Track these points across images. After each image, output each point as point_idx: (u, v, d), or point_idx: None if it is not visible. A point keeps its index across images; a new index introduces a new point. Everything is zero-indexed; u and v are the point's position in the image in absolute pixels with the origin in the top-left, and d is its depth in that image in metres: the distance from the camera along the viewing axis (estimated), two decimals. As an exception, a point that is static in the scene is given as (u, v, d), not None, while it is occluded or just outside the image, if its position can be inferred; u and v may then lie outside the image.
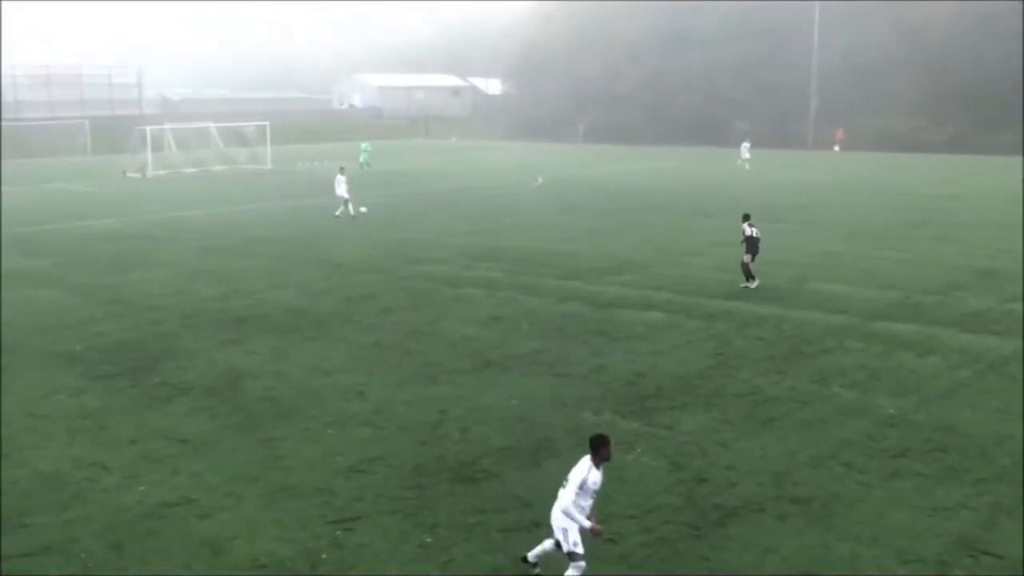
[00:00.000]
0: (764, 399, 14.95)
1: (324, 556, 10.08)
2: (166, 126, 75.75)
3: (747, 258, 23.70)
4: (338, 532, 10.59)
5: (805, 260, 27.44)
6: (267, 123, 74.83)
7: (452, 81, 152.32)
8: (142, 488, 11.85)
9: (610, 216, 37.78)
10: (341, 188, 38.14)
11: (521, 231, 34.16)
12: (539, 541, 10.24)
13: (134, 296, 23.50)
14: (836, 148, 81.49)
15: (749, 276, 23.69)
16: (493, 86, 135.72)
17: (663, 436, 13.37)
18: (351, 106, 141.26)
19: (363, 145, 66.14)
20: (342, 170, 39.34)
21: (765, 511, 10.98)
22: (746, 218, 24.41)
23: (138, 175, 61.43)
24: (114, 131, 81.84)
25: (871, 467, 12.21)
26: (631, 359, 17.23)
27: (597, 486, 8.99)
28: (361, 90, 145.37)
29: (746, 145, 66.86)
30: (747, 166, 63.26)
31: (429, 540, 10.38)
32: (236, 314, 21.36)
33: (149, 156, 64.33)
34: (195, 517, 11.05)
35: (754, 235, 23.78)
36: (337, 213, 38.23)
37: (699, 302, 21.95)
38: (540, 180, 53.70)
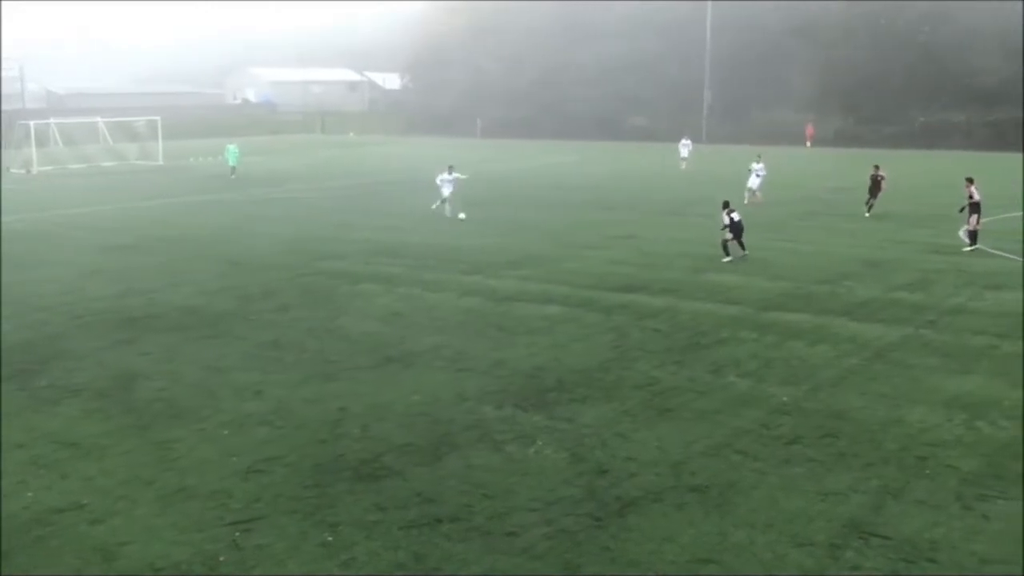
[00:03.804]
0: (662, 390, 15.18)
1: (222, 558, 9.89)
2: (51, 121, 73.40)
3: (728, 236, 26.57)
4: (236, 534, 10.40)
5: (701, 252, 27.92)
6: (158, 118, 73.05)
7: (349, 75, 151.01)
8: (30, 494, 11.45)
9: (510, 210, 37.93)
10: (446, 187, 36.39)
11: (421, 227, 34.05)
12: (441, 537, 10.22)
13: (22, 296, 22.68)
14: (808, 144, 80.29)
15: (726, 252, 26.71)
16: (391, 80, 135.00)
17: (564, 429, 13.46)
18: (245, 100, 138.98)
19: (229, 147, 57.92)
20: (450, 169, 37.00)
21: (664, 500, 11.14)
22: (725, 205, 27.00)
23: (22, 171, 59.39)
24: (-5, 126, 78.98)
25: (765, 454, 12.50)
26: (531, 353, 17.32)
27: None
28: (254, 84, 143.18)
29: (685, 143, 60.92)
30: (683, 166, 58.88)
31: (330, 539, 10.27)
32: (129, 314, 20.81)
33: (34, 152, 62.22)
34: (86, 522, 10.73)
35: (735, 219, 26.52)
36: (433, 207, 36.84)
37: (598, 295, 22.17)
38: (440, 176, 53.44)
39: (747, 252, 26.85)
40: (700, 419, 13.86)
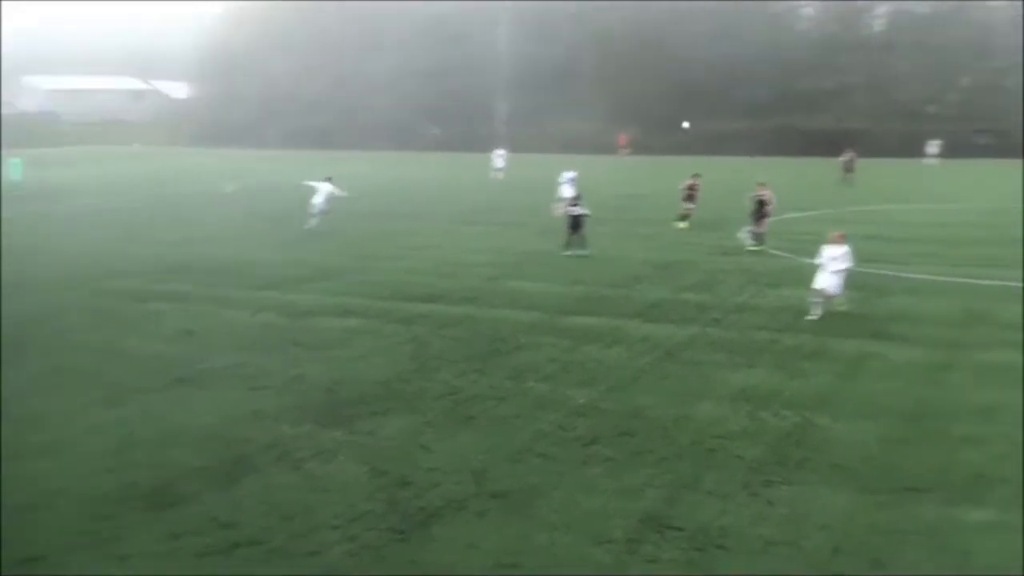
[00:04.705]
0: (463, 399, 15.23)
1: (0, 603, 9.26)
2: None
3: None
4: None
5: (500, 260, 28.32)
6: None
7: (133, 84, 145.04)
8: None
9: (306, 223, 37.17)
10: (319, 198, 35.11)
11: (213, 241, 33.02)
12: (240, 562, 9.90)
13: None
14: (621, 152, 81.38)
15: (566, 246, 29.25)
16: (179, 90, 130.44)
17: (364, 443, 13.30)
18: (22, 111, 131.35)
19: (13, 161, 55.04)
20: (329, 180, 35.92)
21: (466, 509, 11.17)
22: (575, 199, 30.56)
23: None
24: None
25: (564, 456, 12.73)
26: (329, 367, 17.04)
27: None
28: (31, 93, 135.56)
29: (500, 152, 61.18)
30: (501, 175, 59.10)
31: (119, 574, 9.76)
32: None
33: None
34: None
35: (574, 213, 29.35)
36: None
37: (397, 306, 22.07)
38: (232, 188, 52.13)
39: (584, 251, 28.73)
40: (501, 425, 13.99)
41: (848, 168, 54.78)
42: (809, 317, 20.13)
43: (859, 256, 21.07)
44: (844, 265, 20.07)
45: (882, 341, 18.44)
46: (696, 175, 36.70)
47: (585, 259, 28.09)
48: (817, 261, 20.43)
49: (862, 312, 20.71)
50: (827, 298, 20.08)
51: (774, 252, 29.08)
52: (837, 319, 19.97)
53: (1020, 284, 23.64)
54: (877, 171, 59.09)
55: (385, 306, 22.11)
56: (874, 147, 68.82)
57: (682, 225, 35.04)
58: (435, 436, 13.57)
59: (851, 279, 20.67)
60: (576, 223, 29.15)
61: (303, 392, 15.63)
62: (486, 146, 69.10)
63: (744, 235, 31.49)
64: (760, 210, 30.36)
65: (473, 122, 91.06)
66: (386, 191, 51.84)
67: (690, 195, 35.86)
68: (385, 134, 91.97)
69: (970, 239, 32.06)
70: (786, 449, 12.91)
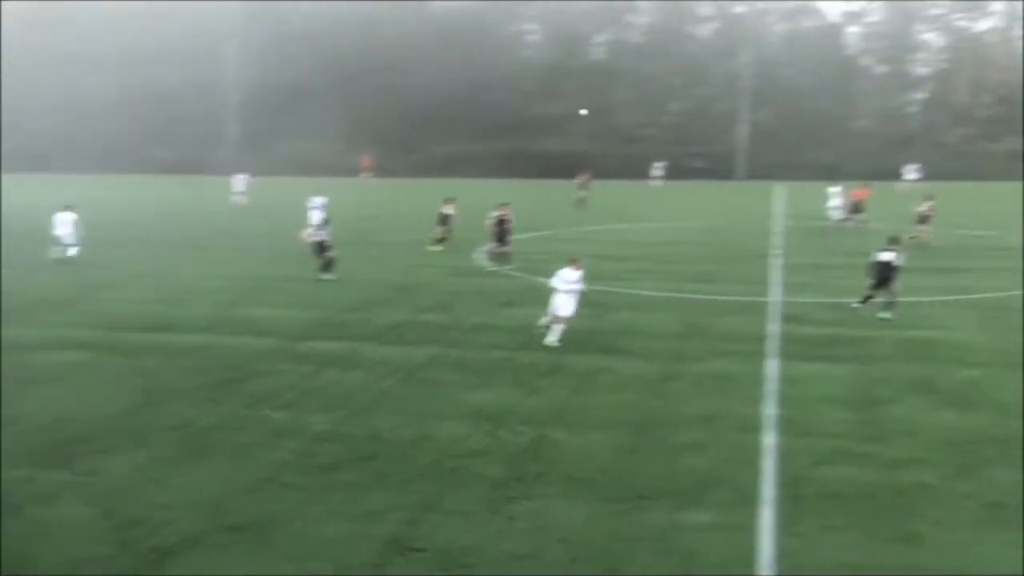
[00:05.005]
0: (197, 430, 14.67)
1: None
2: None
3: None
4: None
5: (237, 286, 27.55)
6: None
7: None
8: None
9: (21, 251, 34.61)
10: (66, 228, 32.36)
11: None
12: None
13: None
14: (364, 175, 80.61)
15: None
16: None
17: (90, 483, 12.52)
18: None
19: None
20: (68, 208, 32.91)
21: (203, 544, 10.75)
22: (324, 223, 29.71)
23: None
24: None
25: (306, 484, 12.51)
26: (50, 405, 15.93)
27: None
28: None
29: (240, 177, 59.07)
30: (244, 199, 57.18)
31: None
32: None
33: None
34: None
35: (318, 240, 29.06)
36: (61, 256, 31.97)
37: (123, 337, 20.98)
38: None
39: (331, 275, 28.41)
40: (238, 456, 13.57)
41: (582, 189, 57.16)
42: (541, 332, 20.57)
43: (589, 274, 21.90)
44: (578, 287, 20.69)
45: (611, 356, 19.32)
46: (450, 199, 36.82)
47: (327, 283, 27.78)
48: (553, 284, 20.78)
49: (592, 328, 21.60)
50: (560, 320, 20.64)
51: (509, 272, 29.85)
52: (570, 336, 20.68)
53: (732, 298, 25.46)
54: (608, 192, 61.96)
55: (111, 337, 20.97)
56: (603, 170, 72.07)
57: (436, 248, 35.00)
58: (166, 471, 13.00)
59: (582, 298, 21.41)
60: (321, 247, 28.96)
61: (20, 433, 14.54)
62: (224, 169, 66.97)
63: (482, 255, 32.16)
64: (502, 229, 31.25)
65: (207, 145, 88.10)
66: (117, 216, 49.14)
67: (445, 219, 35.98)
68: (110, 157, 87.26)
69: (688, 256, 34.23)
70: (525, 464, 13.25)
